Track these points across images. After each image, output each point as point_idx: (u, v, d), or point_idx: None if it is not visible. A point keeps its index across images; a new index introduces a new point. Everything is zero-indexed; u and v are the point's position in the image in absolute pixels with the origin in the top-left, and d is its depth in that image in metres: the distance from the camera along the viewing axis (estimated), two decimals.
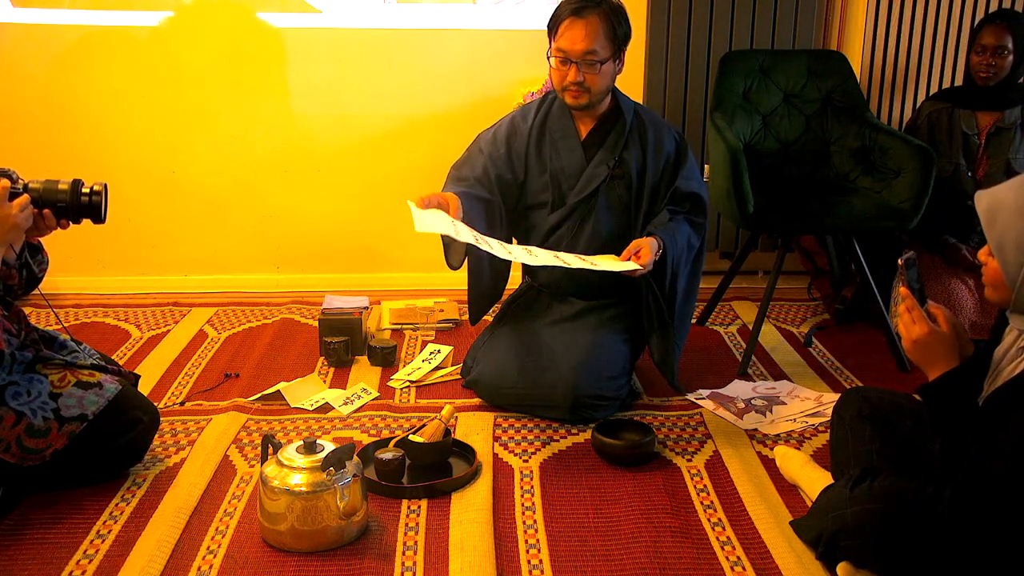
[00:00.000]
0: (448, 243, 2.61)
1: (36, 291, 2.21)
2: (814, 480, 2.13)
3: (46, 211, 2.02)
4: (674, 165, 2.66)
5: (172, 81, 3.66)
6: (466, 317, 3.39)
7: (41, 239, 2.15)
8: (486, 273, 2.70)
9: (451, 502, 2.13)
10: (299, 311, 3.48)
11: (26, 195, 1.98)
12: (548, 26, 2.56)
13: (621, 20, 2.53)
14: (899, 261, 1.87)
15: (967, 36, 3.67)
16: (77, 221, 2.07)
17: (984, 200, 1.69)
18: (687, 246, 2.62)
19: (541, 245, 2.68)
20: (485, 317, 2.90)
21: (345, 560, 1.91)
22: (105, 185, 2.06)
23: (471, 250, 2.61)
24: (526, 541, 1.99)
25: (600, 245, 2.64)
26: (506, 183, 2.67)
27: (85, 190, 2.04)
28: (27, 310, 2.31)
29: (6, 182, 1.95)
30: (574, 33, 2.48)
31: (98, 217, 2.06)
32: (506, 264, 2.73)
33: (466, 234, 2.32)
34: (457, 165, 2.73)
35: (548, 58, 2.55)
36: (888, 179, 3.06)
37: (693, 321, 3.38)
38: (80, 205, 2.04)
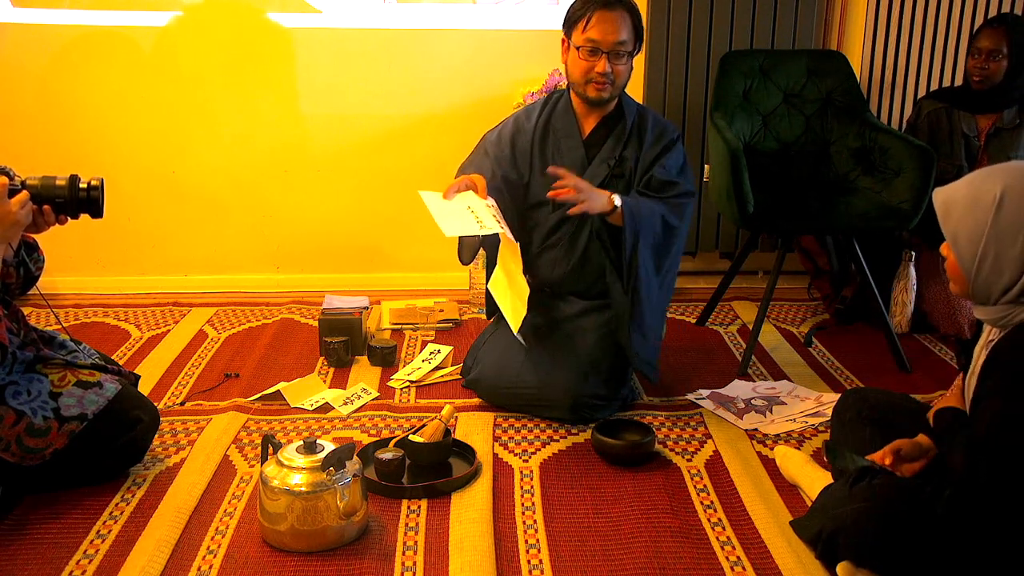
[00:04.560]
0: (462, 240, 2.66)
1: (35, 291, 2.21)
2: (814, 480, 2.13)
3: (46, 207, 2.02)
4: (658, 155, 2.63)
5: (172, 81, 3.66)
6: (467, 317, 3.41)
7: (39, 238, 2.15)
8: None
9: (451, 502, 2.13)
10: (299, 311, 3.48)
11: (25, 192, 1.97)
12: (570, 20, 2.55)
13: (639, 18, 2.57)
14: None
15: (967, 37, 3.67)
16: (76, 216, 2.07)
17: (940, 196, 1.77)
18: (654, 217, 2.53)
19: (543, 243, 2.68)
20: (485, 317, 2.92)
21: (345, 560, 1.91)
22: (102, 180, 2.06)
23: (488, 247, 2.68)
24: (526, 541, 1.99)
25: (600, 244, 2.64)
26: (512, 183, 2.68)
27: (83, 185, 2.03)
28: (26, 310, 2.31)
29: (4, 179, 1.95)
30: (606, 25, 2.49)
31: (97, 212, 2.06)
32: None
33: (491, 223, 2.36)
34: (463, 167, 2.73)
35: (576, 49, 2.53)
36: (888, 179, 3.06)
37: (693, 320, 3.39)
38: (79, 200, 2.03)
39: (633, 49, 2.56)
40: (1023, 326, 1.70)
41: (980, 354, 1.83)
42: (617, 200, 2.46)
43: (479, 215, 2.38)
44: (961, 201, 1.73)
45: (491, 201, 2.46)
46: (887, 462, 1.89)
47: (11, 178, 1.99)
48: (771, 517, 2.07)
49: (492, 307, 2.85)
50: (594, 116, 2.66)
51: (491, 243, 2.68)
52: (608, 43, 2.50)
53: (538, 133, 2.69)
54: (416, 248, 3.85)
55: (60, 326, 2.56)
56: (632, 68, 2.60)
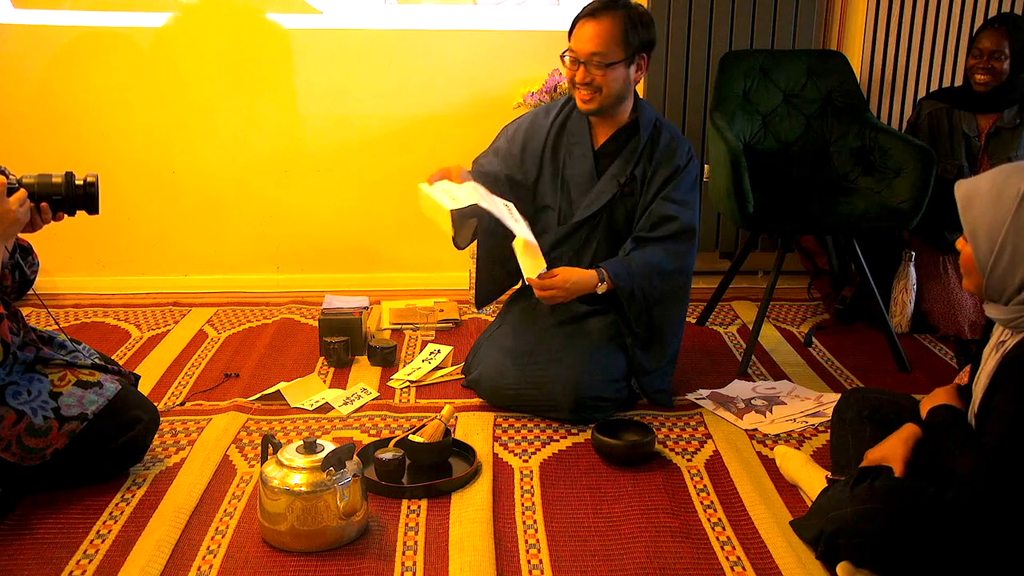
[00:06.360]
0: (457, 223, 2.63)
1: (31, 292, 2.20)
2: (814, 480, 2.13)
3: (43, 205, 2.03)
4: (664, 182, 2.58)
5: (172, 81, 3.66)
6: (467, 317, 3.41)
7: (35, 240, 2.15)
8: (496, 265, 2.71)
9: (451, 502, 2.13)
10: (299, 311, 3.48)
11: (23, 190, 1.98)
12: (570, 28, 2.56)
13: (639, 26, 2.50)
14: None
15: (967, 37, 3.67)
16: (72, 213, 2.07)
17: (963, 187, 1.77)
18: (653, 272, 2.54)
19: (549, 252, 2.65)
20: (486, 317, 2.92)
21: (345, 560, 1.91)
22: (97, 176, 2.07)
23: (485, 238, 2.67)
24: (526, 541, 1.99)
25: (604, 258, 2.62)
26: (516, 183, 2.67)
27: (79, 181, 2.05)
28: (25, 311, 2.31)
29: (2, 178, 1.95)
30: (583, 33, 2.49)
31: (94, 208, 2.07)
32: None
33: (465, 198, 2.38)
34: (477, 159, 2.76)
35: (562, 57, 2.55)
36: (888, 179, 3.06)
37: (692, 320, 3.39)
38: (76, 197, 2.04)
39: (622, 60, 2.49)
40: None
41: (989, 356, 1.81)
42: (603, 282, 2.50)
43: (454, 194, 2.42)
44: (984, 194, 1.72)
45: (490, 198, 2.46)
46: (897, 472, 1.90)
47: (7, 177, 1.99)
48: (771, 517, 2.07)
49: (481, 298, 2.83)
50: (607, 126, 2.63)
51: (484, 228, 2.66)
52: (583, 53, 2.49)
53: (553, 133, 2.67)
54: (416, 248, 3.84)
55: (57, 326, 2.56)
56: (627, 78, 2.53)
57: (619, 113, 2.61)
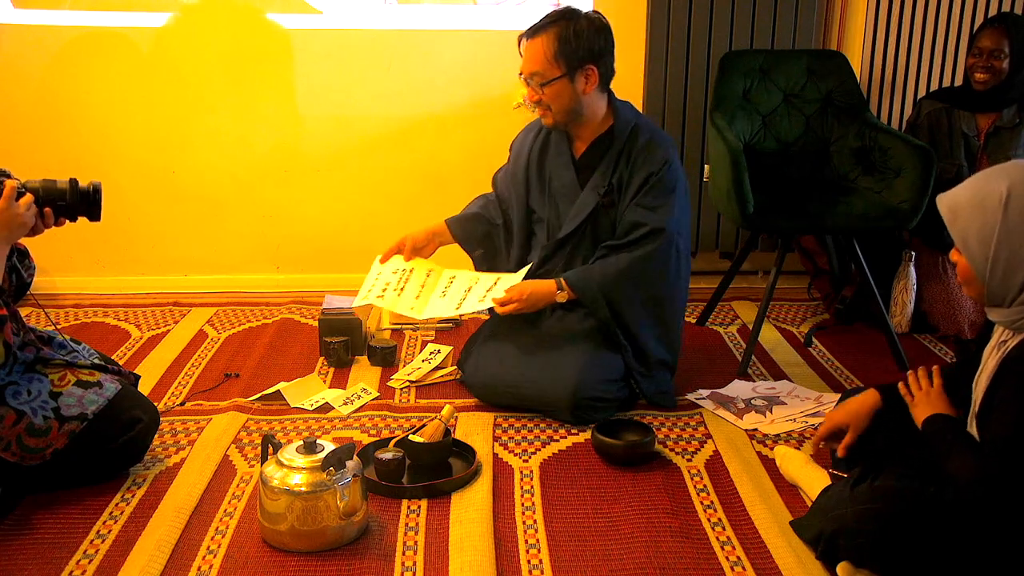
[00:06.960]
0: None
1: (28, 294, 2.20)
2: (814, 480, 2.13)
3: (47, 209, 2.04)
4: (639, 188, 2.54)
5: (172, 81, 3.66)
6: (466, 317, 3.41)
7: (32, 243, 2.15)
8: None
9: (451, 502, 2.13)
10: (299, 311, 3.48)
11: (30, 194, 1.99)
12: None
13: (577, 38, 2.45)
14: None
15: (967, 37, 3.67)
16: (74, 219, 2.09)
17: (944, 201, 1.77)
18: (618, 278, 2.51)
19: (540, 266, 2.67)
20: (485, 316, 2.93)
21: (345, 560, 1.91)
22: (100, 183, 2.08)
23: (476, 251, 2.79)
24: (526, 541, 1.99)
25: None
26: (504, 200, 2.73)
27: (83, 187, 2.06)
28: (24, 312, 2.31)
29: (13, 182, 1.96)
30: (524, 54, 2.53)
31: (97, 214, 2.09)
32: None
33: (369, 295, 2.66)
34: (494, 176, 2.83)
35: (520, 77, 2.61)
36: (888, 179, 3.06)
37: (693, 320, 3.39)
38: (80, 203, 2.06)
39: (562, 74, 2.46)
40: None
41: (990, 356, 1.81)
42: (562, 291, 2.52)
43: (373, 289, 2.67)
44: (967, 203, 1.72)
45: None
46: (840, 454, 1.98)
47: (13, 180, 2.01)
48: (771, 517, 2.07)
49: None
50: (584, 137, 2.63)
51: (479, 256, 2.82)
52: (525, 74, 2.53)
53: (537, 146, 2.70)
54: None
55: (54, 326, 2.56)
56: (573, 93, 2.50)
57: (592, 123, 2.60)
